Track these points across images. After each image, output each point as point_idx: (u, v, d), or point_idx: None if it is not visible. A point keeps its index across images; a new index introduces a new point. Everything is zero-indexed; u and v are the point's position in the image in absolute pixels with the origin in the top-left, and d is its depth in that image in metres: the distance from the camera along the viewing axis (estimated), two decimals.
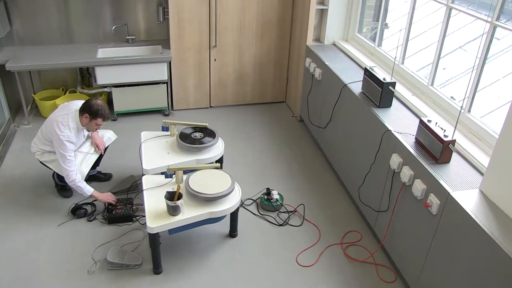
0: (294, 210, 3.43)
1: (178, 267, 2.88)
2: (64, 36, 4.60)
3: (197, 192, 2.76)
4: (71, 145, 3.10)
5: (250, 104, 5.09)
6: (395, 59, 3.42)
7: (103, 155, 3.51)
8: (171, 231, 2.74)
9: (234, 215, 3.03)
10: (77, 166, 3.18)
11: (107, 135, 3.56)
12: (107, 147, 3.53)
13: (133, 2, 4.59)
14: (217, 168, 3.03)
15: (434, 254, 2.40)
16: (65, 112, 3.15)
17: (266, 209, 3.43)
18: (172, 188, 2.82)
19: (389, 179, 2.83)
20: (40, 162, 3.31)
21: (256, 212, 3.40)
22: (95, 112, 3.11)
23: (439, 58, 3.06)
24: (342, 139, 3.60)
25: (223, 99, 4.98)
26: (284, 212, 3.41)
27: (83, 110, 3.13)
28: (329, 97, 3.77)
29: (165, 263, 2.87)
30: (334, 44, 4.31)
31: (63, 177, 3.20)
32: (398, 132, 2.77)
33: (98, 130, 3.35)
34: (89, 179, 3.55)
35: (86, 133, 3.36)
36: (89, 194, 3.17)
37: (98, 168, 3.67)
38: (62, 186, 3.44)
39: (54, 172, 3.34)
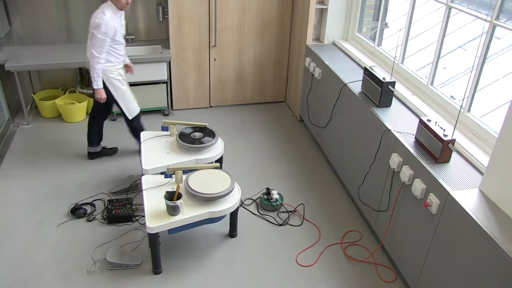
0: (294, 210, 3.43)
1: (177, 267, 2.87)
2: (64, 35, 4.60)
3: (196, 192, 2.75)
4: (107, 30, 3.25)
5: (250, 103, 5.09)
6: (394, 59, 3.42)
7: (111, 103, 3.74)
8: (171, 231, 2.74)
9: (233, 215, 3.03)
10: (132, 102, 3.63)
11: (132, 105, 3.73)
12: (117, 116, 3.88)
13: (132, 1, 4.59)
14: (216, 168, 3.02)
15: (434, 253, 2.40)
16: (99, 8, 3.35)
17: (266, 209, 3.42)
18: (171, 188, 2.82)
19: (389, 178, 2.83)
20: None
21: (256, 212, 3.40)
22: None
23: (438, 57, 3.05)
24: (342, 139, 3.60)
25: (222, 99, 4.98)
26: (284, 212, 3.41)
27: None
28: (329, 96, 3.77)
29: (164, 263, 2.87)
30: (334, 44, 4.31)
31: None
32: (397, 132, 2.77)
33: (128, 7, 3.38)
34: (97, 155, 3.92)
35: (123, 21, 3.47)
36: (96, 87, 3.44)
37: (102, 144, 3.96)
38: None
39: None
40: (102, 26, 3.24)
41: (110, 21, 3.27)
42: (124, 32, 3.49)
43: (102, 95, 3.49)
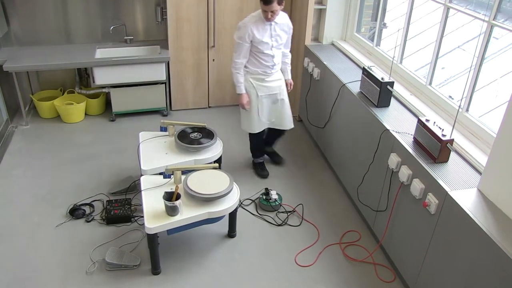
0: (292, 210, 3.43)
1: (176, 268, 2.87)
2: (62, 36, 4.60)
3: (195, 192, 2.75)
4: (243, 33, 3.20)
5: None
6: (393, 59, 3.42)
7: (283, 132, 3.78)
8: (170, 232, 2.74)
9: (232, 215, 3.03)
10: (248, 120, 3.53)
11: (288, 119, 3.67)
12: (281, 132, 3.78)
13: (131, 2, 4.59)
14: (215, 168, 3.02)
15: (433, 253, 2.40)
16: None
17: (264, 209, 3.42)
18: (170, 188, 2.82)
19: (387, 178, 2.83)
20: None
21: (255, 212, 3.40)
22: None
23: (437, 57, 3.06)
24: (340, 139, 3.60)
25: (221, 99, 4.98)
26: (282, 212, 3.41)
27: None
28: (328, 96, 3.77)
29: (163, 264, 2.86)
30: (333, 44, 4.31)
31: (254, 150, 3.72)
32: (396, 132, 2.77)
33: (273, 19, 3.20)
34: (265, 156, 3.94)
35: (275, 32, 3.30)
36: (237, 92, 3.41)
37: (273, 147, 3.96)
38: (259, 164, 3.80)
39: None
40: (239, 29, 3.23)
41: (249, 27, 3.18)
42: (272, 43, 3.31)
43: (240, 101, 3.42)
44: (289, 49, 3.59)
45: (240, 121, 3.65)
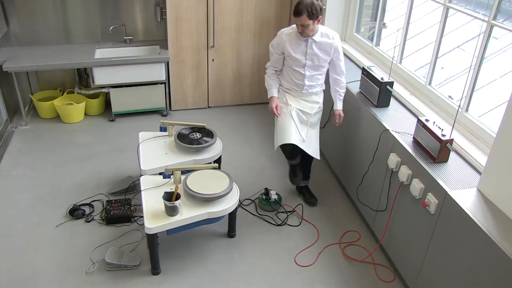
0: (292, 210, 3.43)
1: (176, 268, 2.87)
2: (62, 36, 4.59)
3: (195, 192, 2.75)
4: (275, 42, 3.04)
5: (248, 104, 5.09)
6: (393, 59, 3.42)
7: (310, 160, 3.38)
8: (169, 232, 2.74)
9: (232, 215, 3.03)
10: (278, 136, 3.11)
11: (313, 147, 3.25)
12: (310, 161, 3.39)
13: (130, 2, 4.59)
14: (215, 168, 3.02)
15: (432, 253, 2.40)
16: None
17: (264, 209, 3.42)
18: (170, 188, 2.81)
19: (387, 178, 2.83)
20: None
21: (255, 212, 3.40)
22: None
23: (436, 57, 3.06)
24: (340, 139, 3.60)
25: (221, 99, 4.98)
26: (282, 212, 3.41)
27: None
28: (327, 96, 3.76)
29: (163, 264, 2.86)
30: None
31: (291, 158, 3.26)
32: (396, 132, 2.77)
33: (305, 34, 2.90)
34: (296, 191, 3.58)
35: (311, 48, 2.98)
36: (269, 95, 3.16)
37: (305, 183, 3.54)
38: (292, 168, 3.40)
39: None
40: (276, 37, 3.06)
41: (283, 38, 2.98)
42: (306, 61, 3.01)
43: (270, 105, 3.14)
44: (343, 76, 3.16)
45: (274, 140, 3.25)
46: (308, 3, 2.78)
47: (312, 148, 3.23)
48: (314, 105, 3.18)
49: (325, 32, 3.00)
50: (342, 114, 3.22)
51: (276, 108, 3.12)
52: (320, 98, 3.22)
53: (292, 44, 2.99)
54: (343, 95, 3.20)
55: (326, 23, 4.22)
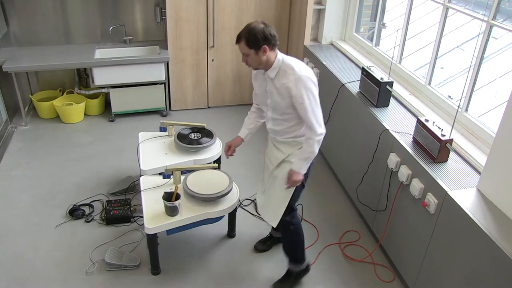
0: None
1: (176, 268, 2.87)
2: (62, 36, 4.59)
3: (195, 192, 2.75)
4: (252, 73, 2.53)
5: (248, 104, 5.06)
6: (392, 59, 3.43)
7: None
8: (169, 232, 2.74)
9: (232, 216, 3.03)
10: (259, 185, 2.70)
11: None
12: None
13: (130, 2, 4.59)
14: (215, 168, 3.02)
15: (432, 253, 2.40)
16: None
17: None
18: (170, 188, 2.81)
19: (387, 178, 2.84)
20: None
21: (254, 213, 3.40)
22: None
23: (436, 57, 3.06)
24: (340, 139, 3.60)
25: (221, 99, 4.98)
26: None
27: None
28: (327, 96, 3.77)
29: (163, 264, 2.86)
30: (332, 44, 4.31)
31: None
32: (395, 132, 2.77)
33: (249, 65, 2.39)
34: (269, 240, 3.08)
35: (268, 85, 2.40)
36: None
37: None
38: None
39: None
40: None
41: (255, 70, 2.49)
42: (268, 100, 2.44)
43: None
44: (313, 133, 2.36)
45: None
46: (250, 28, 2.23)
47: (269, 212, 2.64)
48: (279, 156, 2.52)
49: (284, 69, 2.30)
50: (295, 178, 2.39)
51: (229, 148, 2.69)
52: (289, 151, 2.49)
53: (257, 77, 2.49)
54: (307, 155, 2.39)
55: (326, 23, 4.23)
